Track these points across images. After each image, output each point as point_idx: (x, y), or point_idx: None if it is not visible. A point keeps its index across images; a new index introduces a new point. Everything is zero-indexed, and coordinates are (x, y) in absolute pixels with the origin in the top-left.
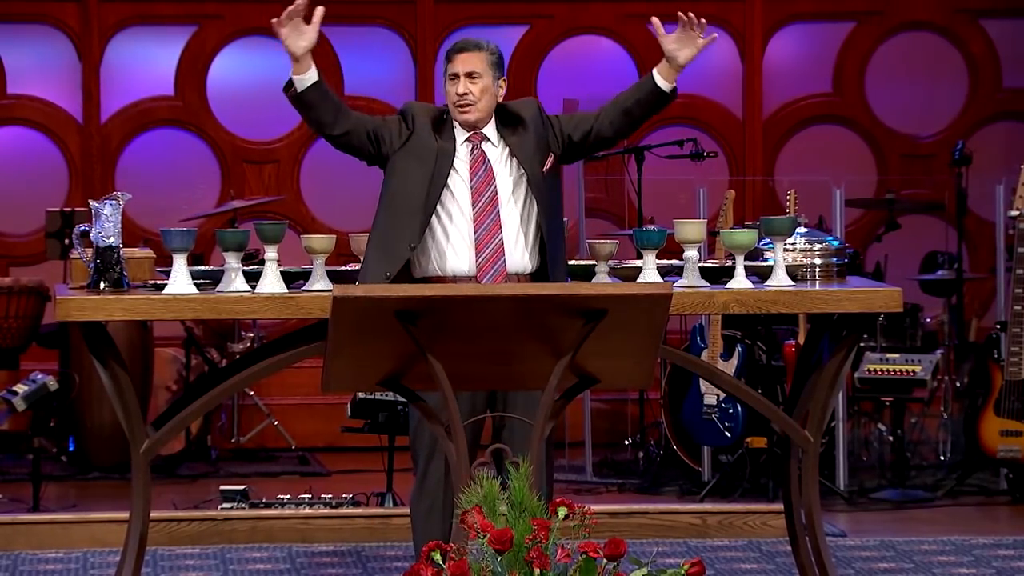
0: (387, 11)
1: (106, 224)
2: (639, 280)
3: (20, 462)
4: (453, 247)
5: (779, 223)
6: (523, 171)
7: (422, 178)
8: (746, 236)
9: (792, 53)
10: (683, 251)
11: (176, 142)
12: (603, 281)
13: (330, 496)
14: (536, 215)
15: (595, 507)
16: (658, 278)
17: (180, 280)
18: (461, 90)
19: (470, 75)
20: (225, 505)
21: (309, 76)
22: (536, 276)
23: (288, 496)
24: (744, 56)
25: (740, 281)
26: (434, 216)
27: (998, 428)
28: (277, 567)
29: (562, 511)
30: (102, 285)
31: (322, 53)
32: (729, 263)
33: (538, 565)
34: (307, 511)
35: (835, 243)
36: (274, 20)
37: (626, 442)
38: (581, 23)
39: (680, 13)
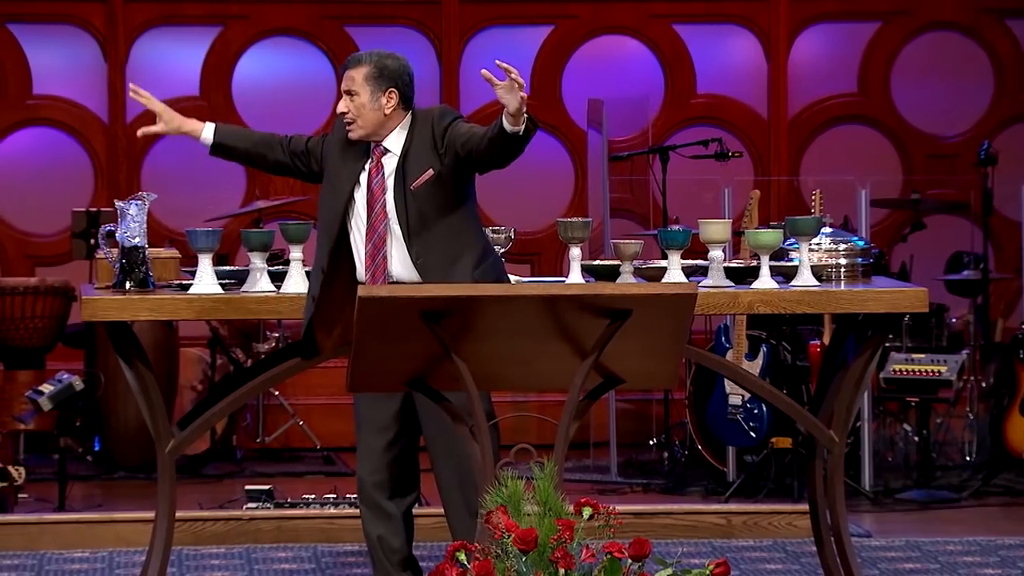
0: (412, 11)
1: (132, 224)
2: (664, 280)
3: (46, 462)
4: (359, 259)
5: (804, 223)
6: (410, 181)
7: (331, 200)
8: (771, 236)
9: (817, 53)
10: (708, 251)
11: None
12: (628, 281)
13: (355, 496)
14: (426, 221)
15: (620, 507)
16: (683, 278)
17: (205, 280)
18: (341, 108)
19: (348, 92)
20: (250, 505)
21: (205, 139)
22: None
23: (313, 496)
24: (769, 56)
25: (765, 281)
26: (350, 231)
27: None
28: (302, 567)
29: (587, 511)
30: (128, 285)
31: (347, 53)
32: (754, 263)
33: (563, 565)
34: (332, 511)
35: (860, 243)
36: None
37: (651, 442)
38: (605, 23)
39: (497, 61)
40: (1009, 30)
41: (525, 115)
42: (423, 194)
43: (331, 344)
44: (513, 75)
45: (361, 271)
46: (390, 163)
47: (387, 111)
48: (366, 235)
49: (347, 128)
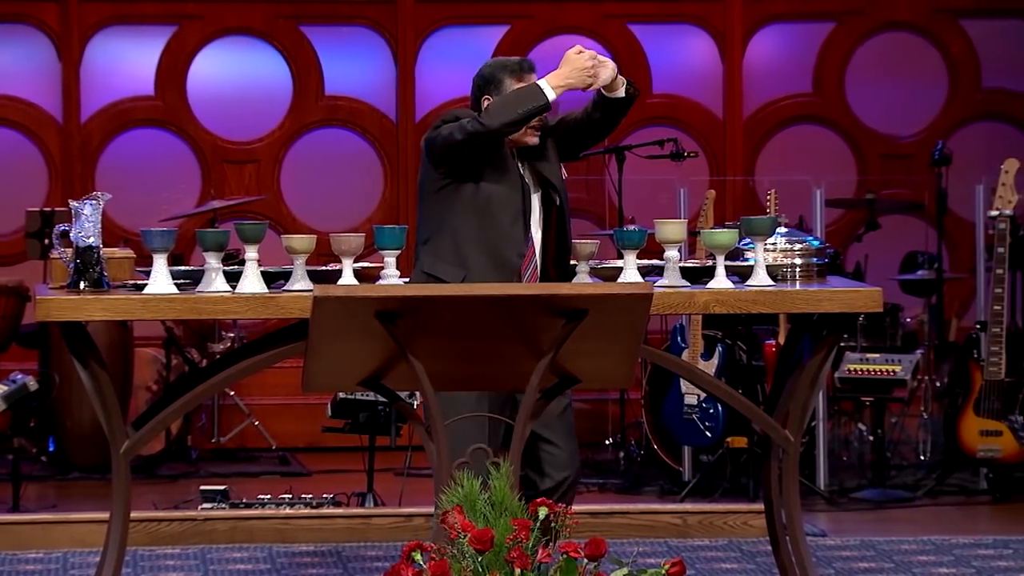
0: (368, 11)
1: (86, 224)
2: (620, 280)
3: (0, 462)
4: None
5: (759, 223)
6: (547, 181)
7: (511, 187)
8: (727, 236)
9: (772, 53)
10: (664, 251)
11: (156, 142)
12: (584, 281)
13: (311, 496)
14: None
15: (576, 507)
16: (639, 278)
17: (160, 280)
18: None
19: None
20: (205, 505)
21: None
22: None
23: (268, 496)
24: (724, 56)
25: (721, 281)
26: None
27: (978, 428)
28: (257, 567)
29: (543, 511)
30: (82, 285)
31: (303, 53)
32: (710, 263)
33: (519, 565)
34: (288, 511)
35: (815, 243)
36: None
37: (607, 442)
38: (561, 23)
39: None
40: (963, 30)
41: (623, 81)
42: (562, 189)
43: None
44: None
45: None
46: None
47: None
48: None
49: (533, 133)
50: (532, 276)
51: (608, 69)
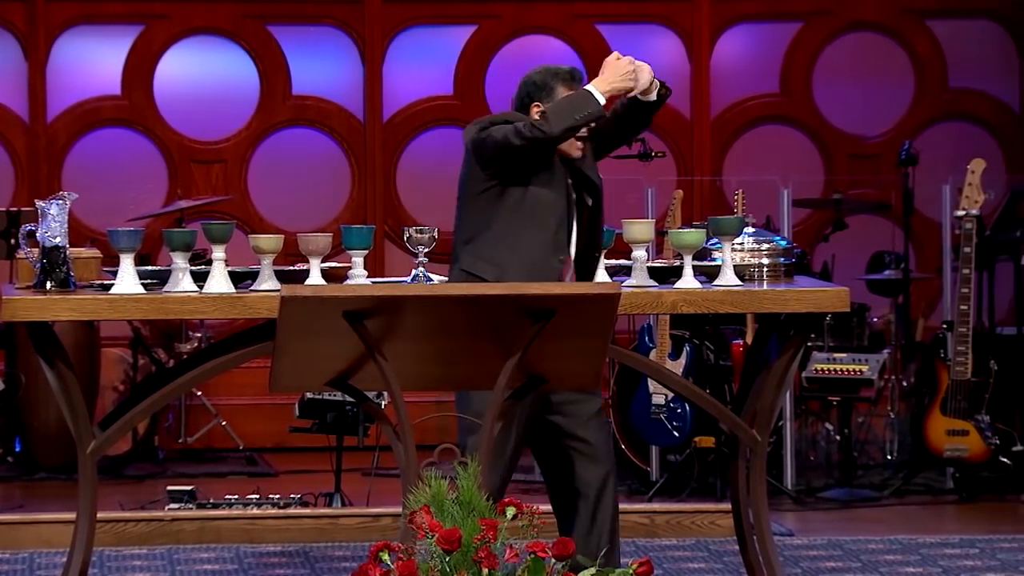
0: (335, 11)
1: (53, 224)
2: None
3: None
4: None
5: (727, 223)
6: (592, 182)
7: (557, 192)
8: (694, 236)
9: (740, 53)
10: (631, 251)
11: (123, 142)
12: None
13: (278, 496)
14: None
15: (544, 507)
16: (606, 278)
17: (127, 280)
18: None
19: None
20: (172, 506)
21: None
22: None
23: (236, 496)
24: (692, 56)
25: (688, 281)
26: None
27: (944, 427)
28: (225, 567)
29: (510, 511)
30: (49, 285)
31: (271, 53)
32: (677, 263)
33: (486, 565)
34: (255, 511)
35: (783, 243)
36: None
37: None
38: (529, 23)
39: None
40: (929, 30)
41: (657, 84)
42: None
43: None
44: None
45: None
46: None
47: None
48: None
49: (580, 149)
50: (571, 279)
51: (646, 73)
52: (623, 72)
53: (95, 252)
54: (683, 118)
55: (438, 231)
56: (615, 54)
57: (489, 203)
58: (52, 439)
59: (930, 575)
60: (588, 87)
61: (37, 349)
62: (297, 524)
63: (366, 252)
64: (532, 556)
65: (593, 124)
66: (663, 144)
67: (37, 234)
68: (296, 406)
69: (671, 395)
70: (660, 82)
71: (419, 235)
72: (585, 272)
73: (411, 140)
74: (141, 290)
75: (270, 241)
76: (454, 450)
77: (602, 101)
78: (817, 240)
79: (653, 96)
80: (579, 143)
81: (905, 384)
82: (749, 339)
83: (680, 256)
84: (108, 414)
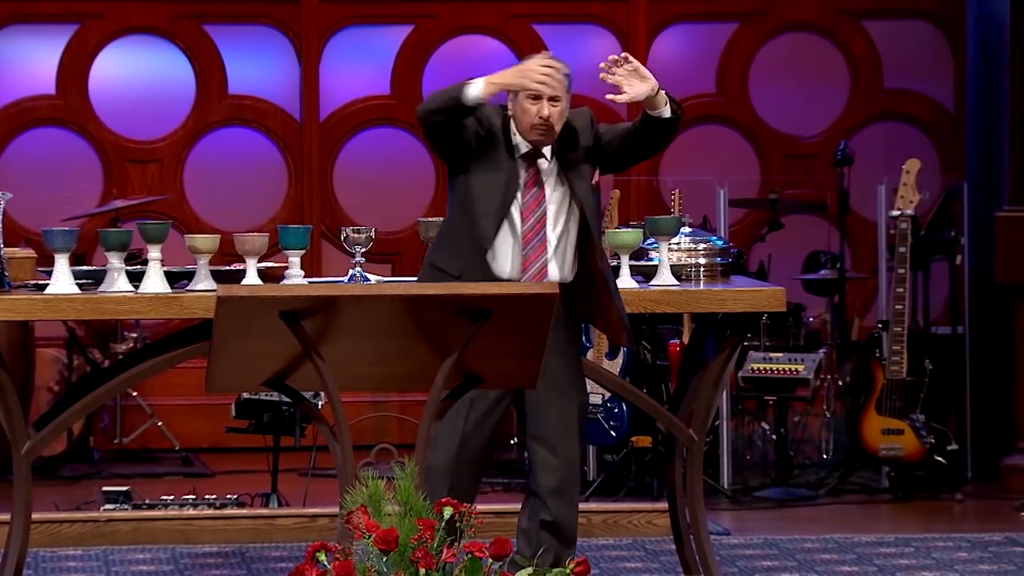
0: (271, 10)
1: None
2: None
3: None
4: (499, 259)
5: (664, 223)
6: (572, 188)
7: (496, 185)
8: (631, 236)
9: (676, 53)
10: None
11: (58, 141)
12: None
13: (214, 497)
14: (579, 228)
15: (480, 507)
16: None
17: (62, 280)
18: (545, 113)
19: (553, 99)
20: (108, 506)
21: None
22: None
23: (172, 497)
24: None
25: (625, 281)
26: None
27: (880, 427)
28: (160, 568)
29: (447, 511)
30: None
31: (206, 52)
32: (614, 263)
33: (423, 565)
34: (191, 512)
35: (719, 243)
36: None
37: (511, 442)
38: (466, 23)
39: (611, 57)
40: (865, 31)
41: (665, 96)
42: (585, 197)
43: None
44: (625, 66)
45: (510, 270)
46: (544, 167)
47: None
48: (522, 241)
49: (538, 131)
50: (537, 277)
51: (643, 86)
52: (524, 69)
53: (30, 252)
54: (620, 118)
55: (375, 231)
56: (543, 53)
57: (450, 194)
58: None
59: (866, 574)
60: (478, 79)
61: None
62: (234, 525)
63: (303, 252)
64: (469, 556)
65: (454, 111)
66: None
67: None
68: (232, 406)
69: (608, 395)
70: (671, 99)
71: (356, 235)
72: (585, 272)
73: (348, 140)
74: (76, 290)
75: (206, 241)
76: (391, 450)
77: (474, 92)
78: (753, 240)
79: (664, 112)
80: (540, 127)
81: (841, 383)
82: (686, 339)
83: (617, 256)
84: (43, 414)
